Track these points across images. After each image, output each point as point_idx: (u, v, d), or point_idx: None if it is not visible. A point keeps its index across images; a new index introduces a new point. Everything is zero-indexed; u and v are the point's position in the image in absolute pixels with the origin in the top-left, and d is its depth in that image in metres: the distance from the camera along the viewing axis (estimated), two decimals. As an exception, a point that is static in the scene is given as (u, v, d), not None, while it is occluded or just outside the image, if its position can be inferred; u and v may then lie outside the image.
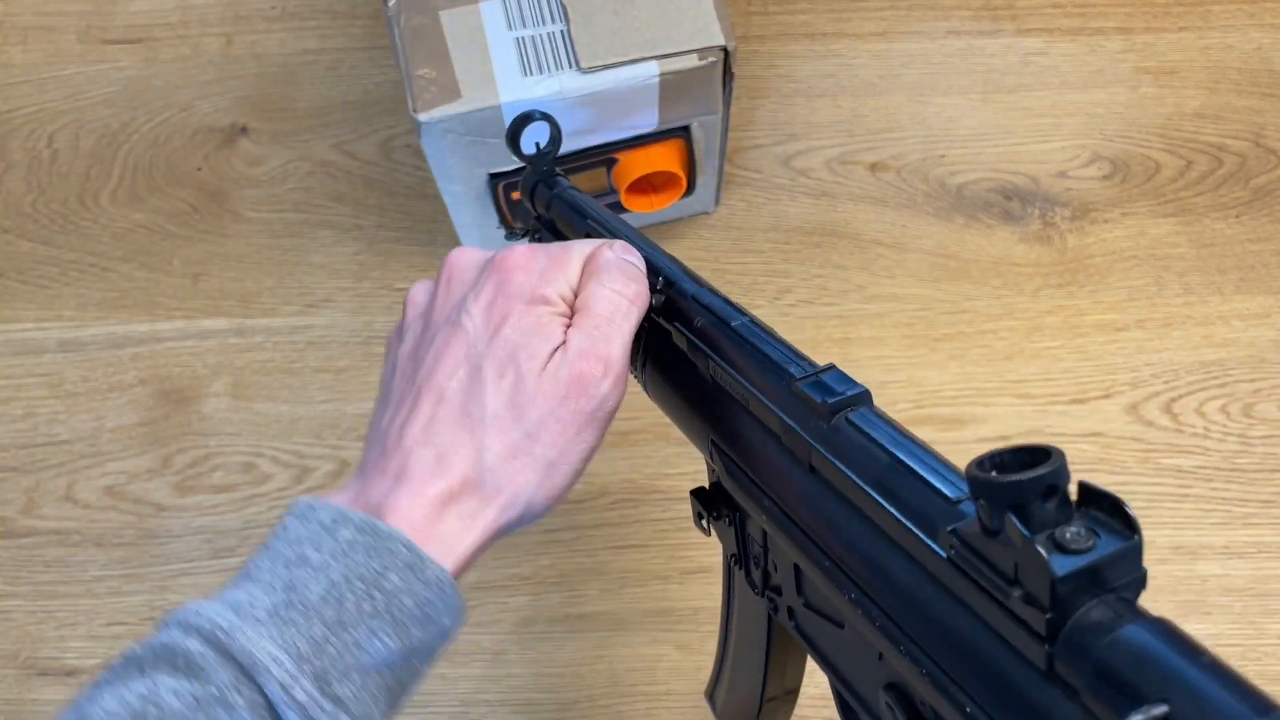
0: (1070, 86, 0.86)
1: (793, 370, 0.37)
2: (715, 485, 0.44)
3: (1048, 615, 0.24)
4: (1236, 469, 0.73)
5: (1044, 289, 0.79)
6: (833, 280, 0.80)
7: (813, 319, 0.78)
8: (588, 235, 0.50)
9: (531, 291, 0.42)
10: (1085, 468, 0.73)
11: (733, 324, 0.41)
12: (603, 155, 0.71)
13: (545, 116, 0.54)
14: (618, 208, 0.75)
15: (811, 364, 0.38)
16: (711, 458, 0.43)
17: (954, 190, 0.83)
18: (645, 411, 0.76)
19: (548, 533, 0.73)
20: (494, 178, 0.71)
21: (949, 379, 0.75)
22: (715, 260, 0.81)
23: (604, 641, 0.70)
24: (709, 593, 0.71)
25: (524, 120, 0.54)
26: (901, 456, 0.32)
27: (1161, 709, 0.22)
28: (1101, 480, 0.77)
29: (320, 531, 0.38)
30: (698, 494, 0.46)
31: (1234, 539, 0.71)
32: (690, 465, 0.74)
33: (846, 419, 0.34)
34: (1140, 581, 0.25)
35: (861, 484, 0.32)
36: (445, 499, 0.39)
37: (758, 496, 0.39)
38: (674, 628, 0.70)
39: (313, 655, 0.36)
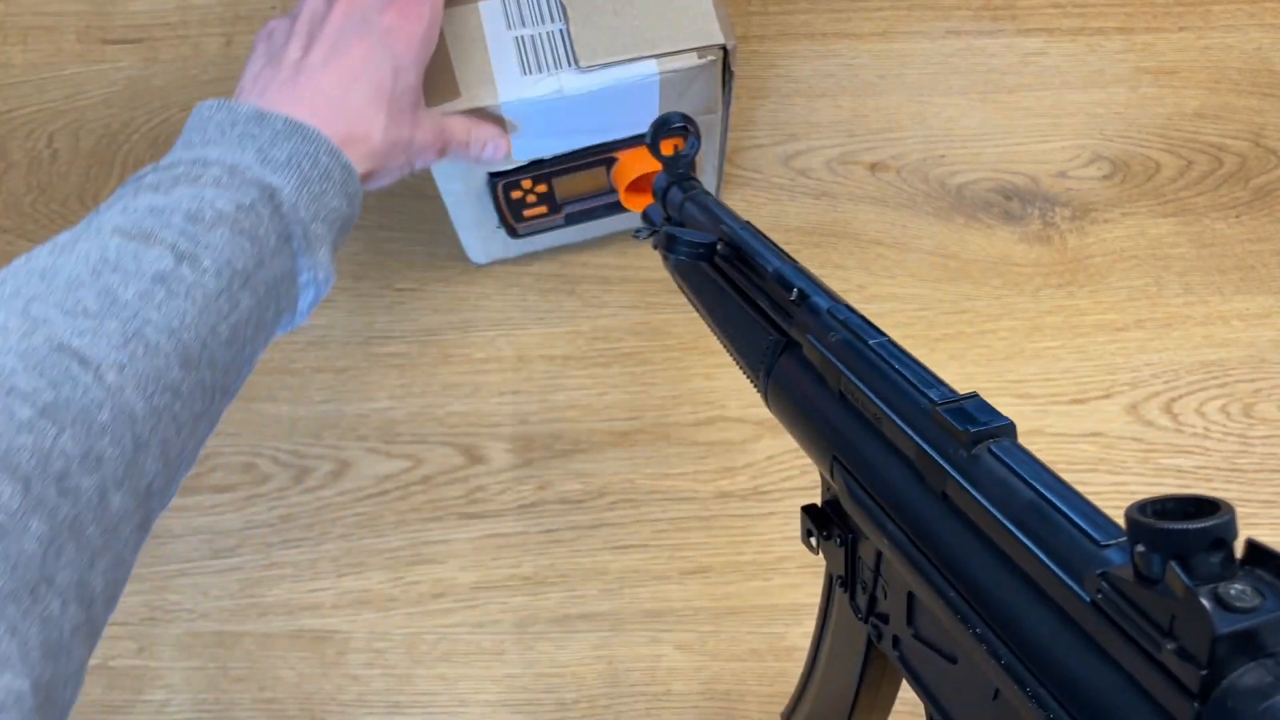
0: (1070, 86, 0.86)
1: (933, 394, 0.36)
2: (829, 503, 0.43)
3: (1203, 673, 0.23)
4: (1236, 469, 0.73)
5: (1044, 289, 0.79)
6: (833, 280, 0.80)
7: (813, 319, 0.78)
8: (718, 241, 0.50)
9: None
10: (1085, 468, 0.73)
11: (870, 341, 0.40)
12: (602, 154, 0.71)
13: (685, 119, 0.53)
14: (617, 207, 0.75)
15: (952, 390, 0.37)
16: (831, 475, 0.41)
17: (954, 190, 0.83)
18: (645, 411, 0.76)
19: (548, 533, 0.73)
20: (493, 177, 0.71)
21: (949, 379, 0.74)
22: (715, 260, 0.81)
23: (604, 641, 0.70)
24: (709, 593, 0.71)
25: (663, 124, 0.53)
26: (1046, 493, 0.31)
27: None
28: (1102, 480, 0.77)
29: (251, 122, 0.49)
30: (810, 511, 0.45)
31: (1234, 539, 0.71)
32: (690, 465, 0.74)
33: (989, 449, 0.33)
34: None
35: (1001, 518, 0.31)
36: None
37: (881, 520, 0.37)
38: (674, 628, 0.70)
39: (304, 191, 0.48)
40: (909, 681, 0.40)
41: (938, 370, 0.39)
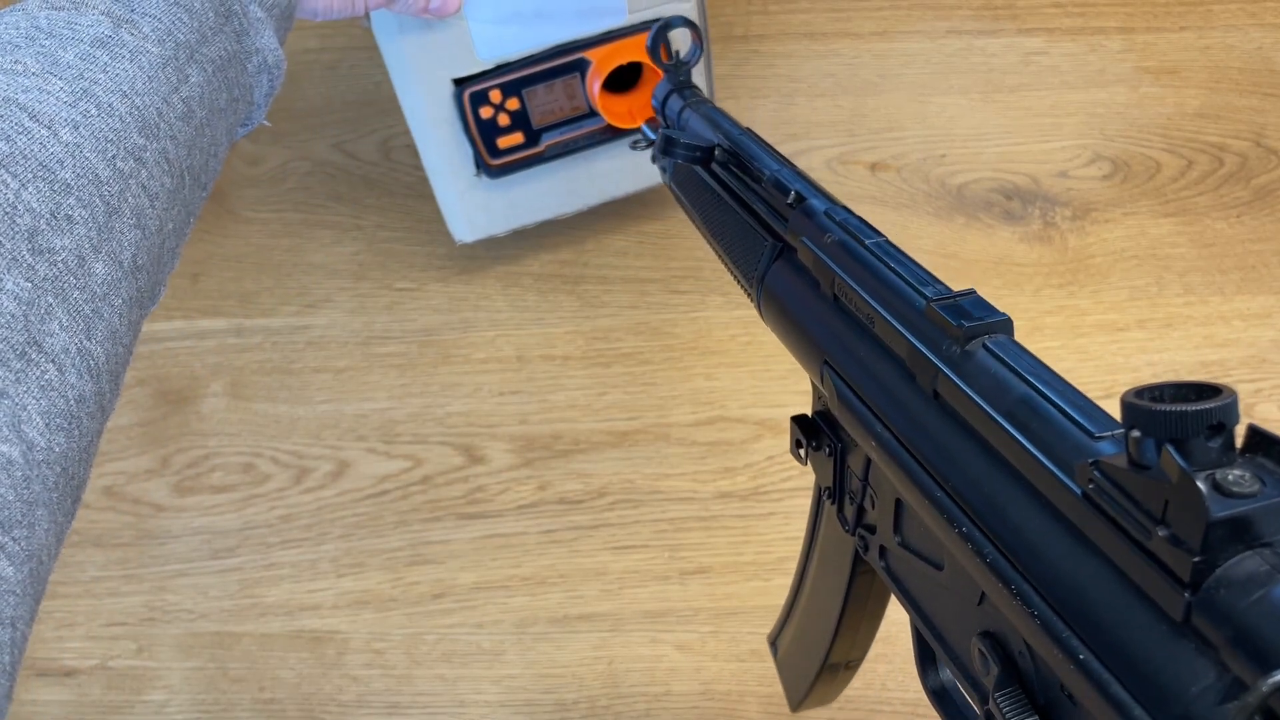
0: (1071, 86, 0.86)
1: (928, 292, 0.35)
2: (819, 413, 0.43)
3: (1195, 559, 0.22)
4: (1237, 469, 0.73)
5: (1045, 289, 0.79)
6: (833, 280, 0.80)
7: (813, 319, 0.78)
8: (717, 147, 0.49)
9: None
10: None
11: (866, 241, 0.39)
12: (573, 56, 0.69)
13: (687, 22, 0.52)
14: (600, 137, 0.73)
15: (949, 288, 0.35)
16: (822, 381, 0.40)
17: (954, 190, 0.83)
18: (645, 411, 0.76)
19: (547, 533, 0.73)
20: (459, 86, 0.69)
21: (949, 379, 0.75)
22: (716, 261, 0.81)
23: (604, 642, 0.70)
24: (709, 593, 0.71)
25: (666, 27, 0.52)
26: (1040, 386, 0.30)
27: None
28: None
29: None
30: (799, 421, 0.44)
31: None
32: (690, 465, 0.74)
33: (984, 345, 0.32)
34: None
35: (991, 411, 0.30)
36: None
37: (870, 423, 0.36)
38: (674, 628, 0.70)
39: None
40: (895, 592, 0.39)
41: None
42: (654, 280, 0.81)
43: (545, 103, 0.71)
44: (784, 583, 0.71)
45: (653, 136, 0.56)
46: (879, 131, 0.85)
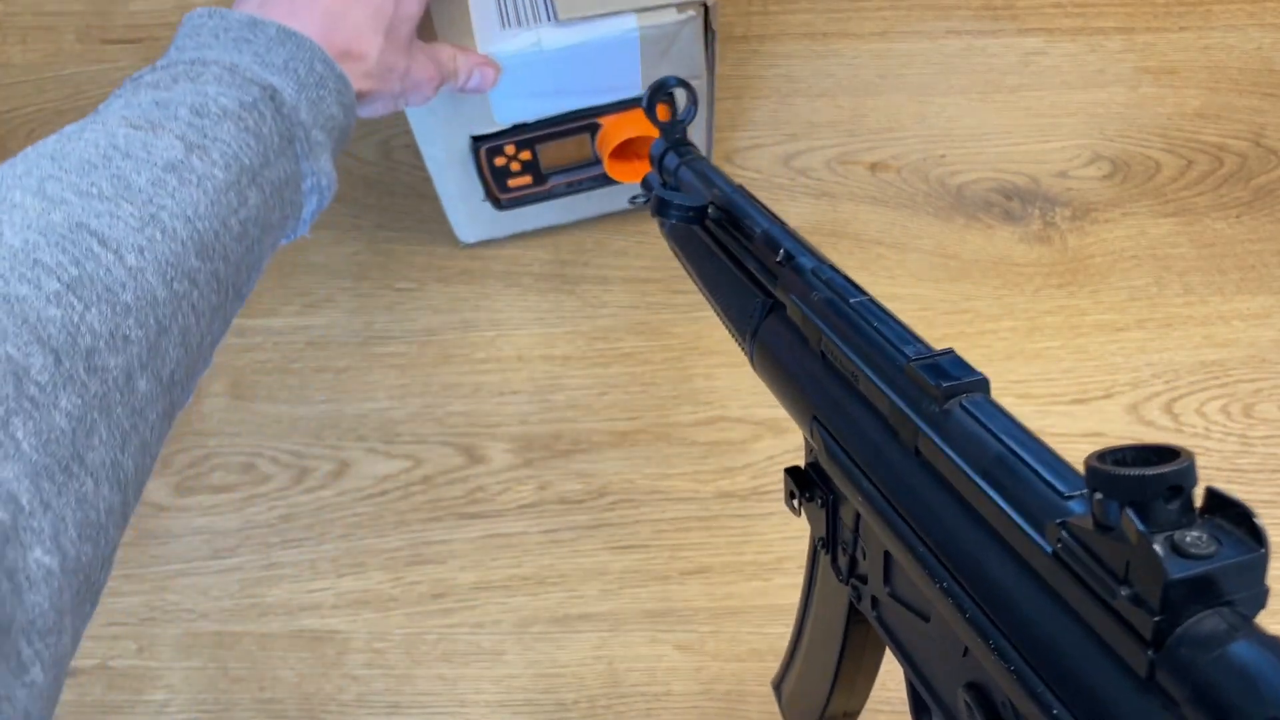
0: (1071, 86, 0.86)
1: (908, 350, 0.36)
2: (812, 465, 0.44)
3: (1155, 619, 0.23)
4: (1237, 469, 0.73)
5: (1044, 289, 0.79)
6: (833, 280, 0.80)
7: (813, 319, 0.79)
8: (710, 205, 0.50)
9: None
10: (1086, 468, 0.73)
11: (850, 300, 0.40)
12: (585, 120, 0.71)
13: (682, 83, 0.53)
14: (603, 180, 0.75)
15: (929, 347, 0.37)
16: (811, 435, 0.42)
17: (954, 190, 0.83)
18: (645, 411, 0.76)
19: (548, 533, 0.73)
20: (476, 141, 0.71)
21: (949, 379, 0.75)
22: (715, 260, 0.81)
23: (604, 641, 0.70)
24: (709, 593, 0.71)
25: (660, 86, 0.53)
26: (1014, 447, 0.31)
27: None
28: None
29: (245, 28, 0.49)
30: (792, 473, 0.45)
31: (1235, 539, 0.70)
32: (690, 465, 0.74)
33: (961, 405, 0.33)
34: (1260, 598, 0.24)
35: (968, 471, 0.31)
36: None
37: (857, 478, 0.38)
38: (674, 628, 0.70)
39: (302, 95, 0.49)
40: (887, 642, 0.40)
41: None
42: (654, 280, 0.81)
43: (556, 154, 0.74)
44: (784, 582, 0.71)
45: (648, 196, 0.57)
46: (879, 131, 0.85)
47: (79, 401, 0.33)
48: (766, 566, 0.71)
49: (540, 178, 0.75)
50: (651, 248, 0.82)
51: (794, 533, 0.71)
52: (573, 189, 0.77)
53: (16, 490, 0.30)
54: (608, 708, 0.68)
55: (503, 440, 0.76)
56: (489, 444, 0.76)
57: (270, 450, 0.77)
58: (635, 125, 0.71)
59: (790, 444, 0.74)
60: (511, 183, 0.75)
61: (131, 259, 0.37)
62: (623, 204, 0.80)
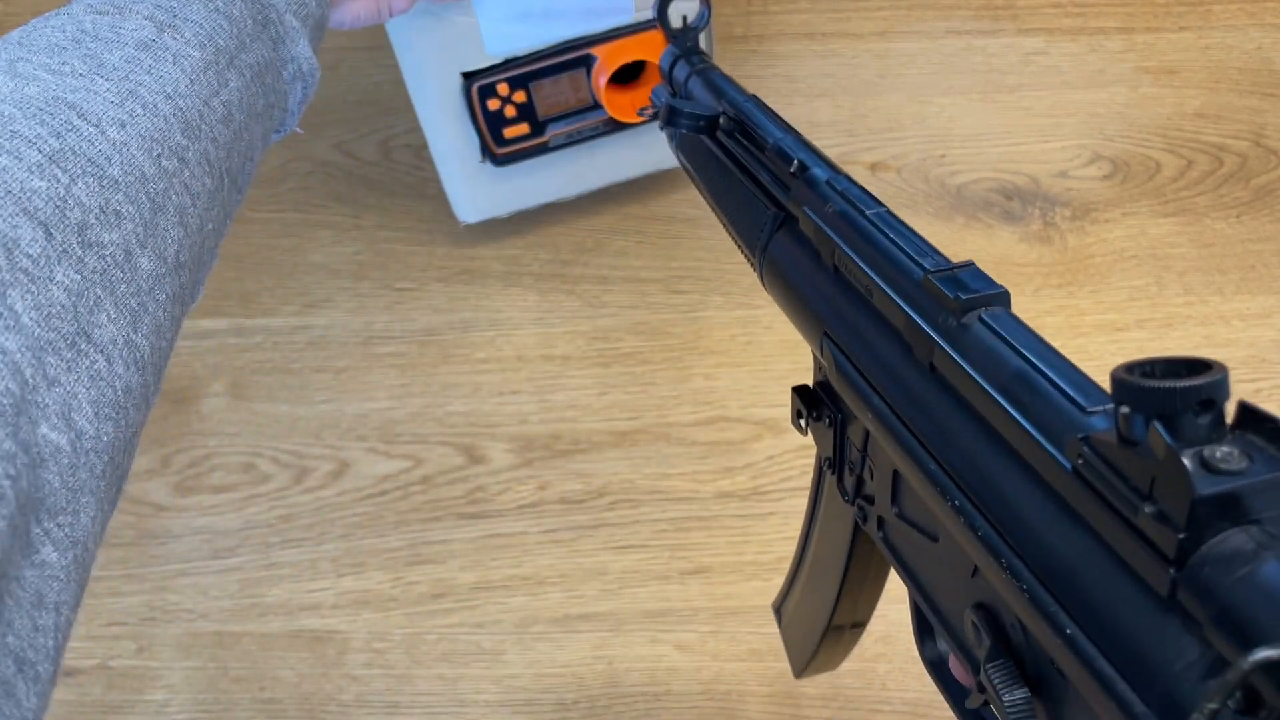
0: (1071, 86, 0.86)
1: (926, 263, 0.35)
2: (820, 384, 0.42)
3: (1180, 536, 0.22)
4: (1237, 469, 0.73)
5: (1044, 289, 0.79)
6: (833, 280, 0.80)
7: (813, 319, 0.78)
8: (722, 115, 0.48)
9: None
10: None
11: (867, 211, 0.39)
12: (580, 52, 0.70)
13: None
14: (603, 129, 0.74)
15: (948, 260, 0.35)
16: (821, 352, 0.40)
17: (954, 190, 0.83)
18: (645, 411, 0.76)
19: (548, 533, 0.73)
20: (468, 80, 0.70)
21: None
22: (716, 261, 0.81)
23: (604, 641, 0.70)
24: (709, 593, 0.71)
25: None
26: (1035, 361, 0.29)
27: None
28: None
29: None
30: (800, 391, 0.43)
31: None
32: (690, 465, 0.74)
33: (980, 318, 0.32)
34: None
35: (986, 385, 0.30)
36: None
37: (867, 394, 0.36)
38: (674, 628, 0.70)
39: None
40: (892, 563, 0.39)
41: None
42: (654, 280, 0.81)
43: (551, 95, 0.72)
44: (788, 566, 0.71)
45: (658, 105, 0.56)
46: (879, 131, 0.85)
47: (77, 277, 0.32)
48: (766, 566, 0.71)
49: (538, 126, 0.73)
50: (651, 247, 0.82)
51: (794, 533, 0.71)
52: (573, 140, 0.75)
53: (20, 362, 0.30)
54: (607, 708, 0.68)
55: (503, 440, 0.76)
56: (489, 444, 0.76)
57: (270, 450, 0.77)
58: (631, 50, 0.70)
59: (790, 444, 0.74)
60: (508, 132, 0.73)
61: (113, 132, 0.37)
62: (628, 173, 0.79)
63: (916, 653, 0.39)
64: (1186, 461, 0.22)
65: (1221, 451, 0.22)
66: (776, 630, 0.70)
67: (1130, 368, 0.23)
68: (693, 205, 0.83)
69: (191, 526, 0.74)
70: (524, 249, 0.83)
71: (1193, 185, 0.82)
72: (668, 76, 0.55)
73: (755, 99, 0.49)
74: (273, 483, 0.75)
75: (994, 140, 0.84)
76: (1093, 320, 0.78)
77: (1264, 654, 0.20)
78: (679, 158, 0.55)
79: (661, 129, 0.55)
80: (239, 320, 0.81)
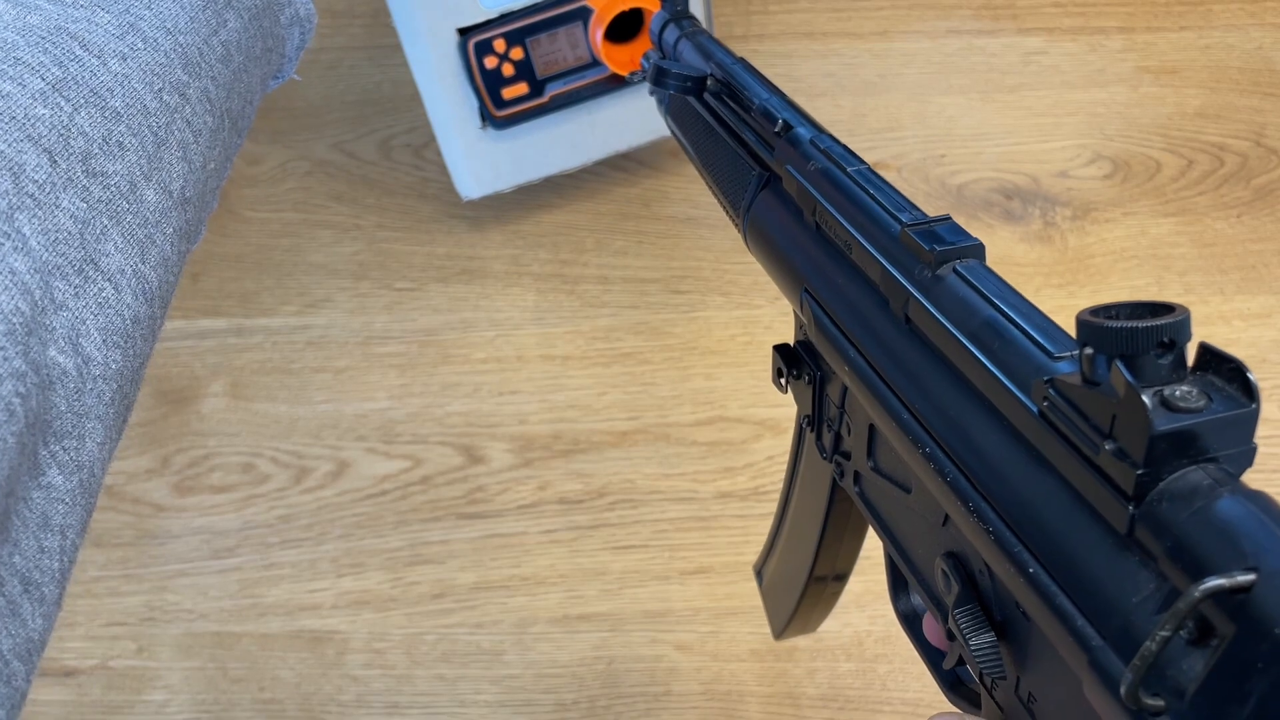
0: (1071, 86, 0.86)
1: (904, 217, 0.35)
2: (800, 343, 0.43)
3: (1138, 472, 0.22)
4: (1237, 469, 0.73)
5: (1045, 289, 0.79)
6: (833, 280, 0.80)
7: (813, 319, 0.78)
8: (709, 77, 0.49)
9: None
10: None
11: (849, 169, 0.40)
12: (576, 3, 0.70)
13: None
14: (603, 87, 0.74)
15: (925, 214, 0.36)
16: (801, 309, 0.41)
17: (955, 190, 0.83)
18: (645, 411, 0.76)
19: (547, 533, 0.73)
20: (463, 36, 0.70)
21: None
22: (716, 261, 0.81)
23: (604, 642, 0.70)
24: (709, 593, 0.71)
25: None
26: (1005, 309, 0.30)
27: (1247, 577, 0.20)
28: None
29: None
30: (780, 350, 0.44)
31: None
32: (690, 465, 0.74)
33: (954, 269, 0.33)
34: (1248, 455, 0.23)
35: (956, 333, 0.30)
36: None
37: (844, 348, 0.37)
38: (674, 628, 0.70)
39: None
40: (867, 517, 0.40)
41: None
42: (654, 280, 0.81)
43: (549, 52, 0.72)
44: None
45: (648, 68, 0.57)
46: (879, 131, 0.85)
47: (83, 204, 0.33)
48: (766, 567, 0.71)
49: (537, 85, 0.73)
50: (651, 248, 0.82)
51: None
52: (573, 99, 0.74)
53: (30, 284, 0.30)
54: (607, 708, 0.68)
55: (502, 440, 0.76)
56: (489, 444, 0.76)
57: (270, 450, 0.76)
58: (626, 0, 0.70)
59: (789, 444, 0.74)
60: (506, 92, 0.73)
61: (115, 65, 0.37)
62: (632, 141, 0.78)
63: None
64: (1145, 399, 0.22)
65: (1181, 390, 0.22)
66: (776, 630, 0.70)
67: (1095, 310, 0.24)
68: (693, 205, 0.83)
69: (191, 526, 0.74)
70: (524, 249, 0.83)
71: (1193, 185, 0.82)
72: (658, 40, 0.56)
73: (743, 61, 0.49)
74: (272, 483, 0.75)
75: (994, 140, 0.84)
76: (1093, 320, 0.78)
77: (1214, 583, 0.20)
78: (668, 123, 0.56)
79: (651, 92, 0.56)
80: (239, 320, 0.81)
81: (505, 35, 0.70)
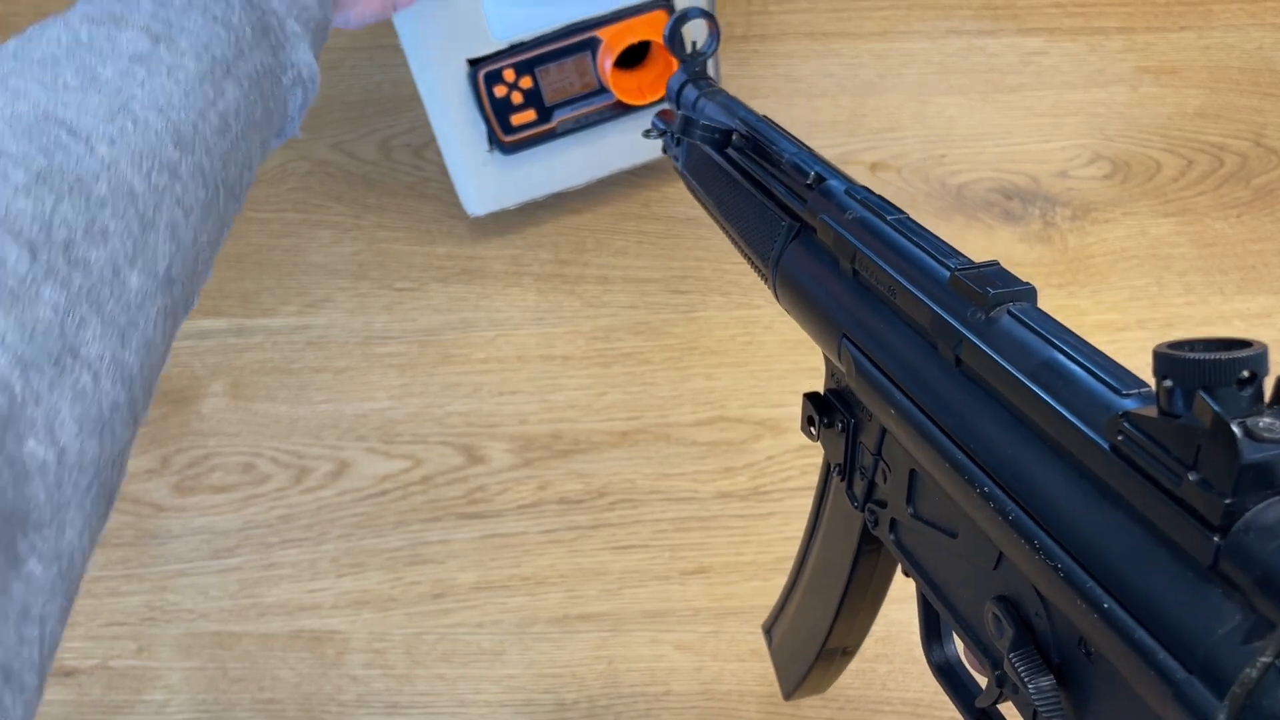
0: (1071, 86, 0.86)
1: (952, 263, 0.36)
2: (831, 391, 0.44)
3: (1227, 501, 0.23)
4: (1237, 469, 0.73)
5: (1045, 289, 0.79)
6: (833, 280, 0.80)
7: (813, 319, 0.78)
8: (732, 133, 0.50)
9: None
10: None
11: (889, 217, 0.40)
12: (585, 35, 0.70)
13: (705, 14, 0.53)
14: (610, 113, 0.74)
15: (971, 260, 0.36)
16: (839, 357, 0.41)
17: (954, 190, 0.83)
18: (645, 411, 0.76)
19: (547, 533, 0.73)
20: (474, 67, 0.70)
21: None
22: (716, 261, 0.81)
23: (604, 642, 0.70)
24: (709, 593, 0.71)
25: (683, 18, 0.53)
26: (1065, 348, 0.30)
27: None
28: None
29: None
30: (812, 397, 0.45)
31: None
32: (690, 465, 0.74)
33: (1009, 311, 0.33)
34: None
35: (1015, 373, 0.31)
36: None
37: (889, 392, 0.37)
38: (674, 628, 0.70)
39: None
40: (905, 564, 0.40)
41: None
42: (654, 280, 0.81)
43: (557, 80, 0.73)
44: (784, 582, 0.71)
45: (662, 127, 0.57)
46: (879, 131, 0.85)
47: (63, 294, 0.33)
48: (766, 566, 0.71)
49: (545, 112, 0.74)
50: (651, 247, 0.82)
51: (794, 533, 0.71)
52: (580, 125, 0.75)
53: (9, 378, 0.30)
54: (607, 708, 0.68)
55: (502, 440, 0.76)
56: (489, 444, 0.76)
57: (270, 450, 0.76)
58: (636, 31, 0.70)
59: (790, 444, 0.74)
60: (515, 119, 0.73)
61: (103, 150, 0.37)
62: (636, 159, 0.79)
63: (917, 653, 0.39)
64: (1235, 429, 0.22)
65: (1264, 422, 0.23)
66: (776, 630, 0.70)
67: (1172, 345, 0.24)
68: (693, 205, 0.83)
69: (191, 526, 0.74)
70: (524, 249, 0.83)
71: (1193, 185, 0.82)
72: (675, 99, 0.57)
73: (767, 119, 0.50)
74: (272, 483, 0.75)
75: (994, 140, 0.84)
76: (1093, 320, 0.78)
77: None
78: (685, 178, 0.57)
79: (666, 150, 0.57)
80: (239, 320, 0.81)
81: (515, 66, 0.71)
